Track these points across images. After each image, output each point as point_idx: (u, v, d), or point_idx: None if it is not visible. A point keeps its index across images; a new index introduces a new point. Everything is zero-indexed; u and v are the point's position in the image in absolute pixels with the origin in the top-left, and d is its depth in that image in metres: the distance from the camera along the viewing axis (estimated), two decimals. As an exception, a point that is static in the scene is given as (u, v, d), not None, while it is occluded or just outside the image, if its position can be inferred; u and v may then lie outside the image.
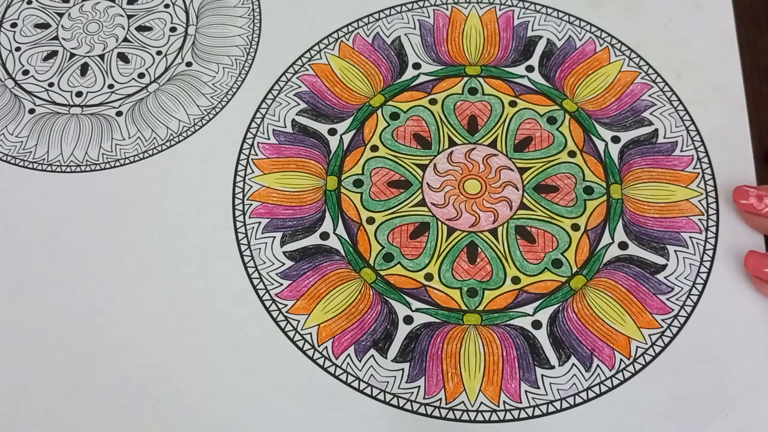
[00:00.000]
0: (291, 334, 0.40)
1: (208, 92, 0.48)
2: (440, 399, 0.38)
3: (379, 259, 0.42)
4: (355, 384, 0.39)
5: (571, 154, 0.45)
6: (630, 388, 0.38)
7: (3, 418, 0.39)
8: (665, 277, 0.41)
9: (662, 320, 0.40)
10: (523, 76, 0.47)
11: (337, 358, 0.40)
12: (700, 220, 0.42)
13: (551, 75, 0.47)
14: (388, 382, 0.39)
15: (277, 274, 0.42)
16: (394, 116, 0.47)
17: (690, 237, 0.42)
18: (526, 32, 0.49)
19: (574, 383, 0.38)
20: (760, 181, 0.43)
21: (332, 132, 0.46)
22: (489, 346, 0.40)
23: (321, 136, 0.46)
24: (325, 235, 0.43)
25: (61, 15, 0.52)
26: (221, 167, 0.45)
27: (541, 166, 0.44)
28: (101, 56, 0.50)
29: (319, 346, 0.40)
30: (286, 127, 0.47)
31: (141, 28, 0.51)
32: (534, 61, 0.48)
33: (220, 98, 0.48)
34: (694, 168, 0.44)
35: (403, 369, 0.39)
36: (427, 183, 0.44)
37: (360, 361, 0.39)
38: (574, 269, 0.42)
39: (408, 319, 0.40)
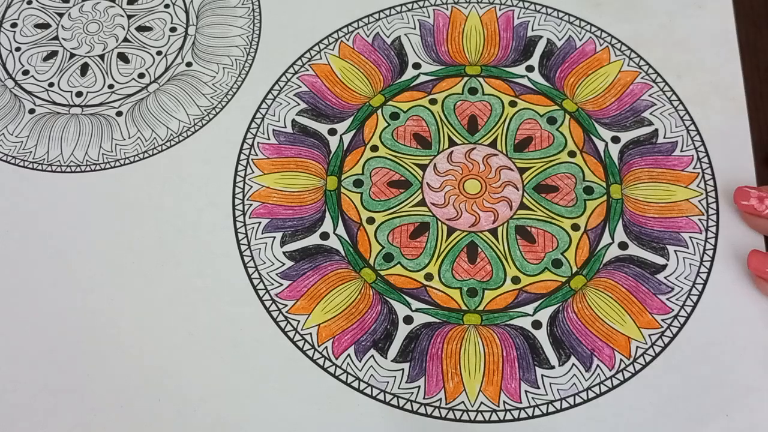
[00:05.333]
0: (291, 334, 0.40)
1: (208, 92, 0.48)
2: (440, 399, 0.38)
3: (379, 259, 0.42)
4: (355, 384, 0.39)
5: (571, 154, 0.45)
6: (630, 388, 0.38)
7: (3, 418, 0.39)
8: (665, 277, 0.41)
9: (662, 320, 0.40)
10: (523, 76, 0.47)
11: (337, 359, 0.40)
12: (700, 220, 0.42)
13: (551, 75, 0.47)
14: (388, 382, 0.39)
15: (277, 274, 0.42)
16: (394, 116, 0.46)
17: (690, 237, 0.42)
18: (526, 32, 0.49)
19: (574, 383, 0.38)
20: (760, 182, 0.43)
21: (332, 132, 0.46)
22: (489, 346, 0.40)
23: (321, 136, 0.46)
24: (325, 235, 0.43)
25: (61, 15, 0.52)
26: (221, 167, 0.45)
27: (541, 166, 0.44)
28: (101, 56, 0.50)
29: (319, 346, 0.40)
30: (286, 127, 0.47)
31: (141, 28, 0.51)
32: (534, 61, 0.48)
33: (220, 98, 0.48)
34: (694, 168, 0.44)
35: (403, 369, 0.39)
36: (427, 183, 0.44)
37: (360, 361, 0.39)
38: (574, 269, 0.42)
39: (408, 319, 0.40)
